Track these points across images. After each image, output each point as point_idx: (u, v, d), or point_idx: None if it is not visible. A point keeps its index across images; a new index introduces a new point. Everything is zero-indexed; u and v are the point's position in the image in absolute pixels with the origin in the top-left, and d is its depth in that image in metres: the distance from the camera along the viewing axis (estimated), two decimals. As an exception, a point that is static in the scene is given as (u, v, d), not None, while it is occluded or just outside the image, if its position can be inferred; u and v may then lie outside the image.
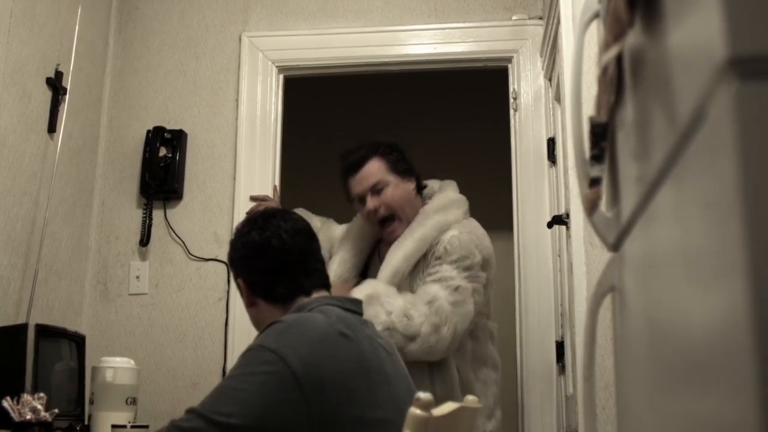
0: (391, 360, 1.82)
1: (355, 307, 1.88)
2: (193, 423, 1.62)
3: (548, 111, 3.19)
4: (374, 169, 2.61)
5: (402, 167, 2.64)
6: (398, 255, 2.53)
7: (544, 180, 3.17)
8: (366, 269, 2.74)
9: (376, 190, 2.59)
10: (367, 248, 2.75)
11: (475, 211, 2.73)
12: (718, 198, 0.60)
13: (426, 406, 1.35)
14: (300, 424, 1.60)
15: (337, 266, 2.68)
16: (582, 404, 1.80)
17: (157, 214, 3.33)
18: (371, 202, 2.59)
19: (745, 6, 0.57)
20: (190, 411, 1.65)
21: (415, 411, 1.35)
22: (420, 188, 2.71)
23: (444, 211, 2.60)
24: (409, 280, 2.54)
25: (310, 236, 1.94)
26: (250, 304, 1.92)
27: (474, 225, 2.62)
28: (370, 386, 1.69)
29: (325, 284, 1.93)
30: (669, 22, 0.75)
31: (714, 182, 0.61)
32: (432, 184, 2.77)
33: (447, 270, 2.46)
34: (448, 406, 1.52)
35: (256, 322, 1.93)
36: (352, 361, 1.69)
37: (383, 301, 2.40)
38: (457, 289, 2.44)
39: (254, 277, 1.89)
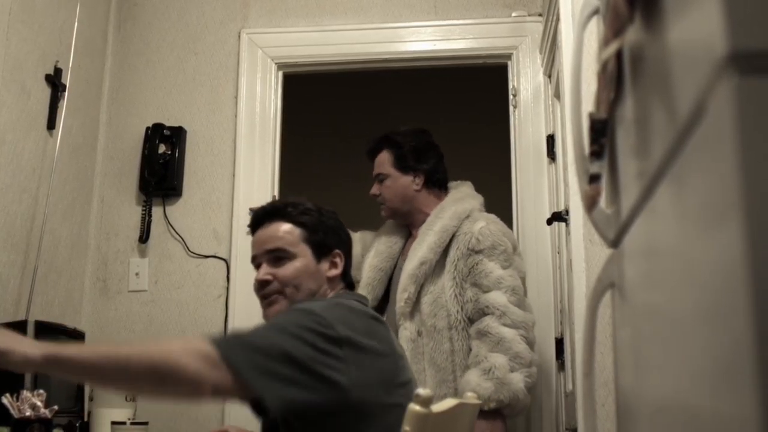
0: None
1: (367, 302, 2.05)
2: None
3: (548, 108, 3.19)
4: (381, 161, 2.89)
5: (404, 163, 2.85)
6: (423, 247, 2.69)
7: (543, 177, 3.17)
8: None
9: (380, 179, 2.88)
10: (396, 251, 2.89)
11: (475, 208, 2.74)
12: (718, 194, 0.59)
13: (425, 402, 1.36)
14: (337, 380, 1.64)
15: (373, 256, 2.88)
16: (581, 401, 1.80)
17: (157, 211, 3.33)
18: (374, 188, 2.90)
19: (745, 1, 0.57)
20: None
21: (414, 407, 1.35)
22: (431, 183, 2.86)
23: (460, 202, 2.79)
24: (437, 269, 2.68)
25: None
26: (322, 256, 1.99)
27: (496, 218, 2.78)
28: (397, 369, 1.80)
29: (358, 294, 2.12)
30: (669, 18, 0.75)
31: (714, 178, 0.60)
32: (450, 184, 2.94)
33: (490, 267, 2.60)
34: (447, 402, 1.53)
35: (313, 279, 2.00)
36: (386, 342, 1.80)
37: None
38: (514, 289, 2.60)
39: (342, 247, 2.01)
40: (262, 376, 1.56)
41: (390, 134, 2.91)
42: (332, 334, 1.65)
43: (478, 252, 2.62)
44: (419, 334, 2.64)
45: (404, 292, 2.68)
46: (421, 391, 1.38)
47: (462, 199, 2.81)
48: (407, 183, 2.83)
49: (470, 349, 2.57)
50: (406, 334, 2.64)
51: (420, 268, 2.67)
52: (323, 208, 2.04)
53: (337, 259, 1.98)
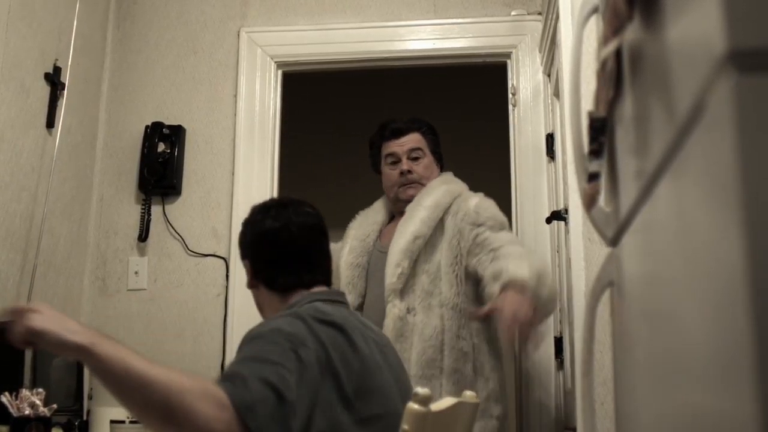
0: (381, 351, 1.83)
1: (342, 299, 1.95)
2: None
3: (547, 106, 3.19)
4: (417, 139, 2.83)
5: (437, 151, 2.87)
6: (415, 221, 2.65)
7: (542, 175, 3.17)
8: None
9: (413, 157, 2.81)
10: (370, 243, 2.83)
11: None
12: (717, 191, 0.59)
13: (424, 401, 1.35)
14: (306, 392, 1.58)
15: (347, 254, 2.79)
16: (581, 400, 1.80)
17: (156, 210, 3.32)
18: (407, 164, 2.79)
19: (744, 0, 0.57)
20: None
21: (413, 406, 1.35)
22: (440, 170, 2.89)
23: (450, 183, 2.79)
24: (429, 246, 2.63)
25: (319, 232, 1.97)
26: (251, 286, 1.97)
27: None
28: (362, 372, 1.70)
29: (327, 280, 1.96)
30: (668, 16, 0.75)
31: (713, 175, 0.60)
32: None
33: (495, 235, 2.59)
34: (446, 401, 1.52)
35: (258, 303, 2.00)
36: (342, 346, 1.69)
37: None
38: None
39: (258, 264, 1.94)
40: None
41: (416, 119, 2.89)
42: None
43: (479, 225, 2.61)
44: (409, 311, 2.58)
45: (397, 267, 2.60)
46: (420, 390, 1.37)
47: (451, 181, 2.81)
48: (436, 170, 2.84)
49: (459, 328, 2.55)
50: (395, 311, 2.56)
51: (414, 243, 2.61)
52: (254, 214, 1.99)
53: (248, 268, 1.96)
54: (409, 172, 2.77)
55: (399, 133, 2.83)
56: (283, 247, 1.91)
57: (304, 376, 1.56)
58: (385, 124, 2.89)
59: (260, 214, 1.98)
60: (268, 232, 1.93)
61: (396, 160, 2.81)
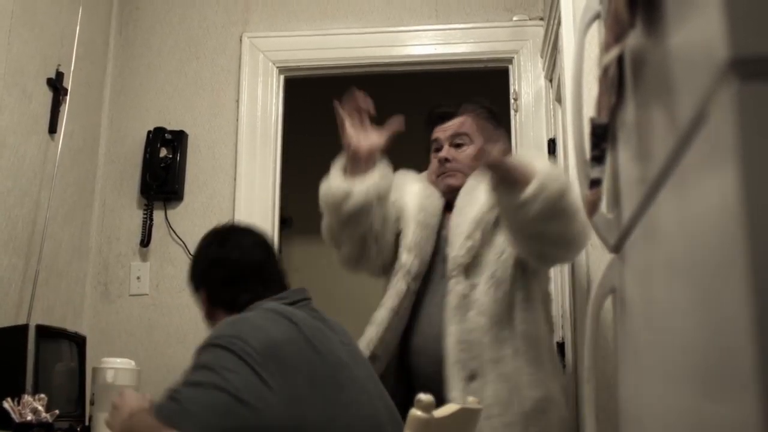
0: (346, 349, 1.87)
1: (302, 295, 1.96)
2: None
3: (549, 112, 3.19)
4: (463, 123, 2.46)
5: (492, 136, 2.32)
6: (478, 204, 2.29)
7: (544, 181, 3.16)
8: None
9: (456, 143, 2.44)
10: (439, 207, 2.43)
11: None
12: (719, 199, 0.59)
13: (427, 408, 1.35)
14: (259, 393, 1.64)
15: (417, 211, 2.39)
16: (585, 406, 1.80)
17: (158, 215, 3.33)
18: (446, 151, 2.43)
19: (746, 7, 0.57)
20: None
21: (416, 413, 1.34)
22: None
23: None
24: (493, 230, 2.29)
25: (266, 247, 2.05)
26: (209, 316, 1.99)
27: None
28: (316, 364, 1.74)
29: (283, 289, 2.00)
30: (670, 24, 0.75)
31: (715, 183, 0.60)
32: None
33: None
34: (449, 408, 1.51)
35: None
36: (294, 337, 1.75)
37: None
38: None
39: (214, 289, 1.97)
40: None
41: (471, 102, 2.54)
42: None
43: None
44: (473, 287, 2.24)
45: (468, 239, 2.27)
46: (423, 396, 1.36)
47: None
48: None
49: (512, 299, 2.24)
50: (459, 288, 2.24)
51: (489, 213, 2.26)
52: (200, 247, 2.07)
53: (203, 298, 2.00)
54: (447, 160, 2.41)
55: (445, 118, 2.50)
56: (235, 266, 1.97)
57: (244, 369, 1.62)
58: (431, 109, 2.59)
59: (206, 242, 2.06)
60: (217, 257, 2.00)
61: (438, 147, 2.47)
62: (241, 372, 1.62)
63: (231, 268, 1.97)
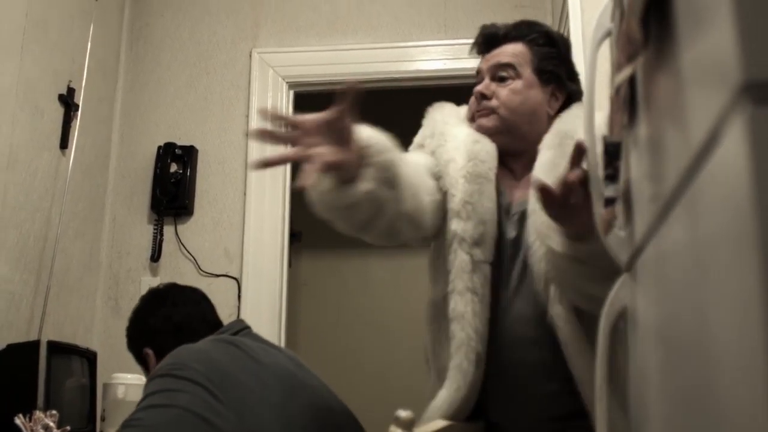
0: (293, 362, 1.90)
1: (242, 325, 2.05)
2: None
3: (558, 126, 3.18)
4: (512, 52, 1.94)
5: (548, 67, 1.93)
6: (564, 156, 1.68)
7: (554, 195, 3.15)
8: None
9: (499, 76, 1.93)
10: (492, 176, 1.88)
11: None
12: (732, 221, 0.59)
13: (407, 425, 1.28)
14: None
15: (465, 160, 1.87)
16: (598, 424, 1.79)
17: (168, 230, 3.34)
18: (485, 86, 1.93)
19: (761, 29, 0.57)
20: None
21: (395, 430, 1.28)
22: (566, 104, 1.94)
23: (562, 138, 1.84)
24: None
25: (205, 299, 2.23)
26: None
27: None
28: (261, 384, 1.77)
29: (220, 330, 2.08)
30: (682, 44, 0.75)
31: (727, 206, 0.60)
32: None
33: None
34: (433, 425, 1.43)
35: None
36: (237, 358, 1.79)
37: None
38: None
39: (163, 343, 2.05)
40: None
41: (527, 23, 2.00)
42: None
43: None
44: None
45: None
46: (402, 412, 1.28)
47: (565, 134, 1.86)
48: (539, 97, 1.92)
49: None
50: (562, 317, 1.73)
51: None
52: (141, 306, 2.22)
53: (150, 356, 2.09)
54: (484, 96, 1.92)
55: (492, 43, 1.98)
56: (184, 318, 2.11)
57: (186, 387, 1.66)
58: (485, 26, 2.04)
59: (139, 313, 2.20)
60: (163, 315, 2.12)
61: (480, 80, 1.97)
62: (190, 390, 1.65)
63: (177, 322, 2.08)
